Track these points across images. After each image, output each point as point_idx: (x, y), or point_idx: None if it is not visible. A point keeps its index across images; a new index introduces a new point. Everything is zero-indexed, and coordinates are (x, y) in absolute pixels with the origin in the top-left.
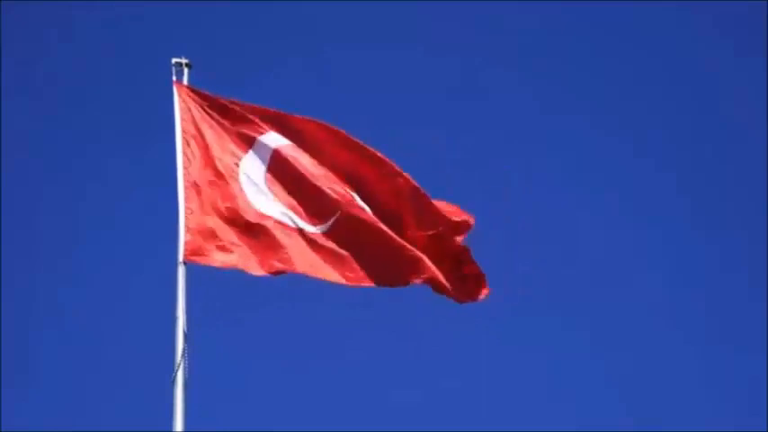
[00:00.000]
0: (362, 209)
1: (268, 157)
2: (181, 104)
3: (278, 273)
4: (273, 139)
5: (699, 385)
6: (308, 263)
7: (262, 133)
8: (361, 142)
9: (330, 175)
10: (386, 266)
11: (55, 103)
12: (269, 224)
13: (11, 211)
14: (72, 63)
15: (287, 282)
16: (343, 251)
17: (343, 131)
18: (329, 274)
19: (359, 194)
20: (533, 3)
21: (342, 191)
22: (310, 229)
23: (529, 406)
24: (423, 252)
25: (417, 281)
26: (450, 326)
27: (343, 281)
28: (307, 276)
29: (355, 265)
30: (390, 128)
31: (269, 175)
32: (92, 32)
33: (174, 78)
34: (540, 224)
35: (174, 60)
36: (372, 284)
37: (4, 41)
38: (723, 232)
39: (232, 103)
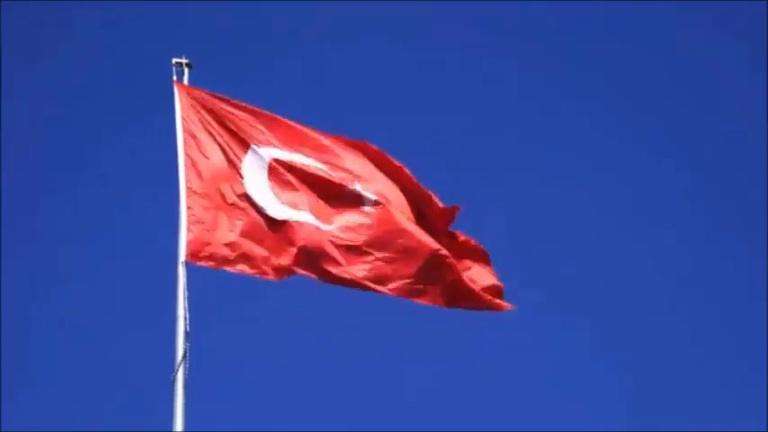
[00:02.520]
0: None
1: (266, 164)
2: (181, 104)
3: (281, 273)
4: (267, 151)
5: (699, 384)
6: (316, 262)
7: (256, 143)
8: (358, 142)
9: (331, 174)
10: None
11: (55, 103)
12: (272, 221)
13: (11, 210)
14: (72, 63)
15: (288, 281)
16: (352, 248)
17: (340, 137)
18: (336, 274)
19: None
20: (534, 3)
21: (346, 190)
22: (323, 227)
23: (530, 405)
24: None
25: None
26: (451, 325)
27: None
28: (308, 278)
29: (366, 265)
30: (390, 127)
31: (271, 178)
32: (92, 32)
33: (175, 78)
34: (542, 223)
35: (174, 60)
36: (384, 290)
37: (4, 41)
38: (724, 232)
39: (231, 104)
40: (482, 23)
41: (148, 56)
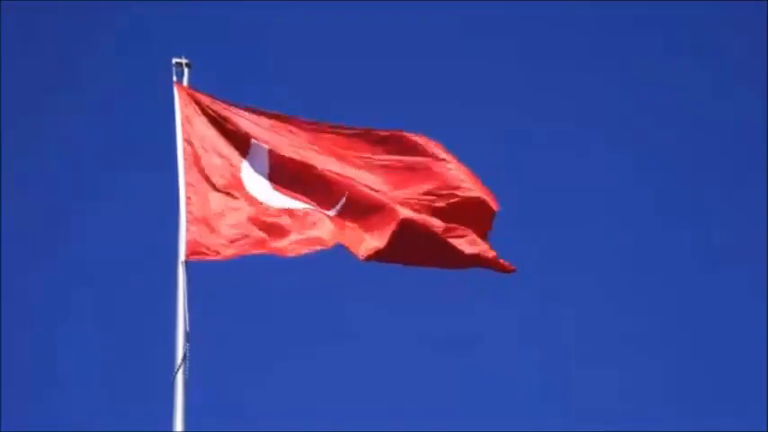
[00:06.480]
0: (366, 189)
1: (266, 157)
2: (181, 104)
3: (274, 252)
4: (267, 148)
5: (699, 384)
6: (319, 237)
7: (256, 141)
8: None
9: (328, 162)
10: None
11: (55, 102)
12: (274, 215)
13: (11, 210)
14: (72, 63)
15: (288, 281)
16: (358, 229)
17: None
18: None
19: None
20: (533, 3)
21: (343, 175)
22: (324, 212)
23: (528, 405)
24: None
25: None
26: (454, 321)
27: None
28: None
29: (371, 242)
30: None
31: (272, 173)
32: (92, 32)
33: (175, 78)
34: (542, 221)
35: (174, 60)
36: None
37: (4, 41)
38: (724, 231)
39: (230, 105)
40: (481, 27)
41: (148, 56)
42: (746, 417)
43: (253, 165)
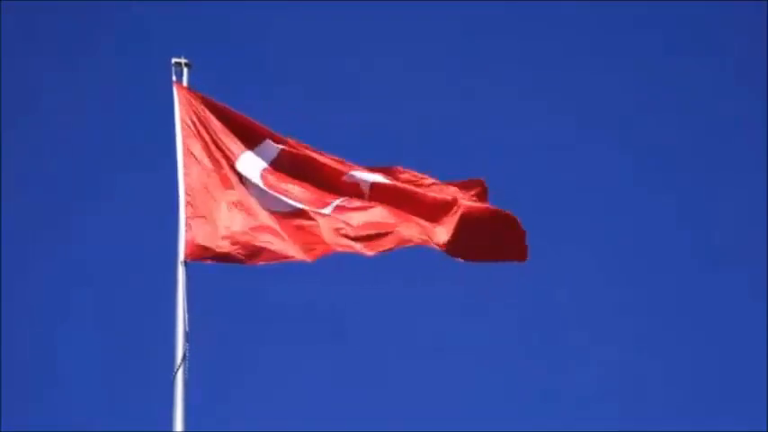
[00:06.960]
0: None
1: (275, 153)
2: (180, 104)
3: (270, 260)
4: (264, 149)
5: (699, 384)
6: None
7: (253, 142)
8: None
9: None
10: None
11: (54, 103)
12: (271, 215)
13: (11, 210)
14: (71, 63)
15: (287, 281)
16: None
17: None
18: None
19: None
20: (533, 3)
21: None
22: (319, 210)
23: (526, 405)
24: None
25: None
26: (453, 321)
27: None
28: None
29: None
30: (389, 130)
31: (268, 172)
32: (92, 32)
33: (174, 78)
34: (542, 221)
35: (173, 60)
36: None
37: (4, 41)
38: (723, 231)
39: (227, 109)
40: (481, 27)
41: (148, 56)
42: (746, 417)
43: (252, 162)
